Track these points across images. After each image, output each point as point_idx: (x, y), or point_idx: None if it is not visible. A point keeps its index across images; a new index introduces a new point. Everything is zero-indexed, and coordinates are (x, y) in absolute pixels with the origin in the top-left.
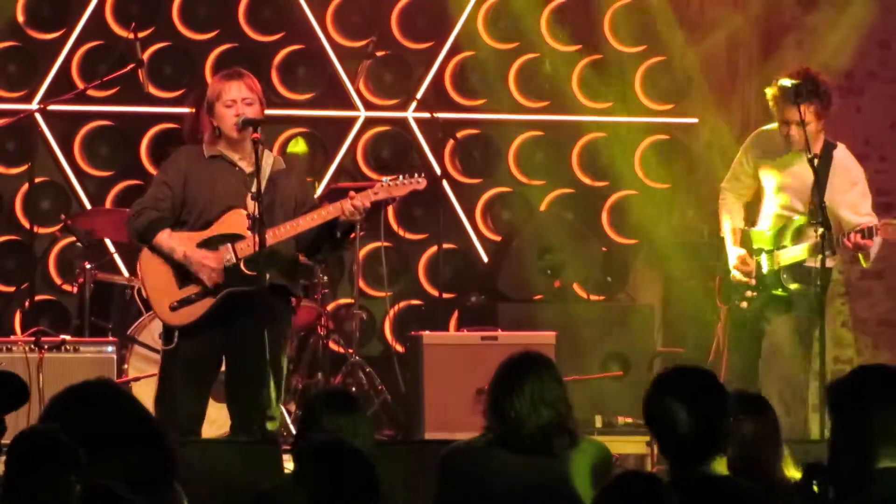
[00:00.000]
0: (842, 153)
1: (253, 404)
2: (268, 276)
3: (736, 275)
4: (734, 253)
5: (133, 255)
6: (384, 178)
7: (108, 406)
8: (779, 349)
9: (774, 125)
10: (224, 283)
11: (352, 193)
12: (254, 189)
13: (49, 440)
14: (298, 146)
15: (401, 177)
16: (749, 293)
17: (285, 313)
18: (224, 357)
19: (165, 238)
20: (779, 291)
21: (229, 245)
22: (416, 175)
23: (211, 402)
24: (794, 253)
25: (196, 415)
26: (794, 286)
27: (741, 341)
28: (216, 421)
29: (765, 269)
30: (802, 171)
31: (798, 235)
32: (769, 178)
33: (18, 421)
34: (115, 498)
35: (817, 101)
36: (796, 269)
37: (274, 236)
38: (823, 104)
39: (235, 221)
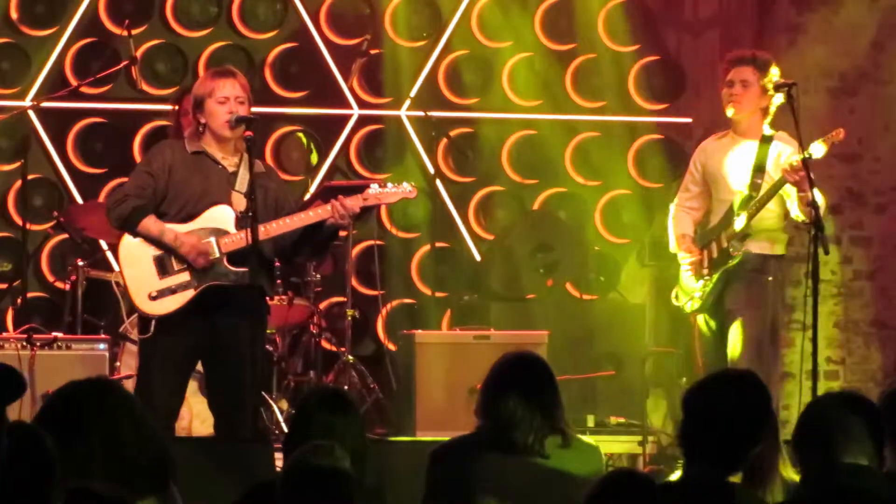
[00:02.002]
0: (782, 136)
1: (233, 401)
2: (248, 271)
3: (684, 263)
4: (682, 248)
5: None
6: (374, 186)
7: (108, 405)
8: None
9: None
10: (205, 276)
11: (341, 197)
12: (238, 186)
13: (25, 438)
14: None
15: (390, 185)
16: (702, 281)
17: (264, 313)
18: (203, 352)
19: (152, 223)
20: (730, 263)
21: (213, 239)
22: (405, 184)
23: (201, 399)
24: (738, 224)
25: (171, 410)
26: (743, 250)
27: (710, 345)
28: (207, 419)
29: (715, 254)
30: (738, 151)
31: (737, 210)
32: (712, 174)
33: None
34: (98, 500)
35: (758, 68)
36: (741, 238)
37: (264, 233)
38: (763, 73)
39: (220, 217)
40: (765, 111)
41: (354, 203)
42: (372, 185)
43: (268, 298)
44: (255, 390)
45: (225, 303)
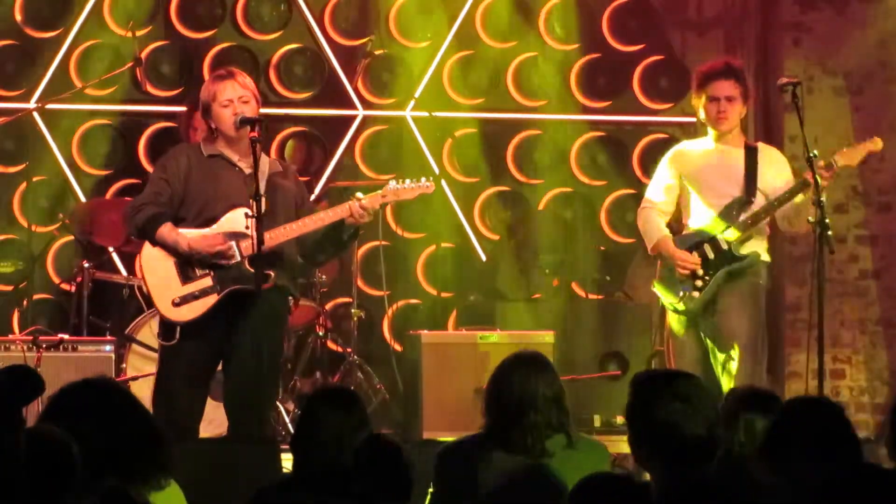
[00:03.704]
0: (764, 146)
1: (250, 405)
2: (273, 275)
3: (681, 271)
4: (673, 252)
5: (131, 255)
6: (392, 182)
7: (106, 404)
8: (737, 326)
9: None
10: (227, 281)
11: (359, 196)
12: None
13: (49, 442)
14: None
15: (408, 180)
16: (699, 282)
17: (285, 314)
18: (223, 355)
19: (168, 231)
20: (733, 265)
21: (233, 243)
22: (423, 179)
23: (209, 401)
24: (743, 225)
25: (195, 412)
26: (746, 251)
27: (692, 345)
28: (213, 420)
29: (711, 255)
30: (726, 157)
31: (735, 213)
32: (697, 179)
33: None
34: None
35: (743, 83)
36: (743, 240)
37: (279, 236)
38: (746, 92)
39: (239, 220)
40: (743, 119)
41: (373, 201)
42: (390, 182)
43: (291, 299)
44: (272, 393)
45: (247, 306)
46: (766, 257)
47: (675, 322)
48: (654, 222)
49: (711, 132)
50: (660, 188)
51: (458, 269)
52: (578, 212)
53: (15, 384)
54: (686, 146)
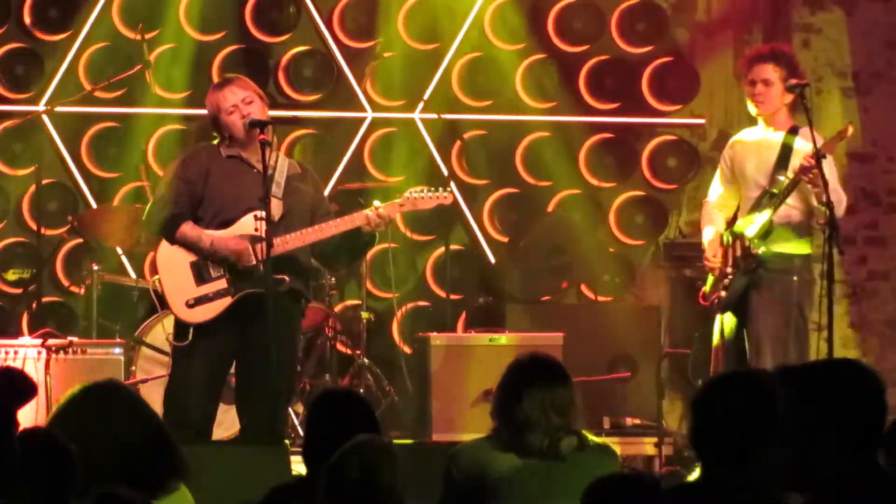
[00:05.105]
0: (806, 130)
1: (264, 408)
2: (288, 279)
3: (709, 265)
4: (709, 250)
5: (140, 257)
6: (410, 191)
7: (116, 408)
8: (765, 332)
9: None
10: (242, 284)
11: (377, 204)
12: (274, 191)
13: (44, 442)
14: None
15: (426, 190)
16: (726, 280)
17: (298, 317)
18: (236, 359)
19: (190, 229)
20: (753, 261)
21: (249, 246)
22: (440, 189)
23: (222, 405)
24: (759, 221)
25: (209, 415)
26: (762, 250)
27: (729, 344)
28: (223, 423)
29: (739, 253)
30: (765, 145)
31: (759, 207)
32: (742, 168)
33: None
34: None
35: (786, 67)
36: (763, 235)
37: (294, 241)
38: (789, 75)
39: (254, 224)
40: (791, 105)
41: (391, 210)
42: (408, 191)
43: (304, 301)
44: (286, 396)
45: (261, 309)
46: (800, 249)
47: (718, 322)
48: (707, 219)
49: (761, 120)
50: (716, 182)
51: (467, 271)
52: (587, 214)
53: (6, 387)
54: (738, 136)
